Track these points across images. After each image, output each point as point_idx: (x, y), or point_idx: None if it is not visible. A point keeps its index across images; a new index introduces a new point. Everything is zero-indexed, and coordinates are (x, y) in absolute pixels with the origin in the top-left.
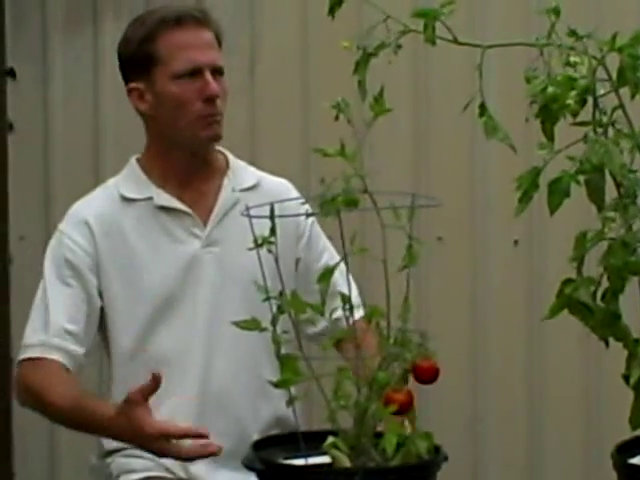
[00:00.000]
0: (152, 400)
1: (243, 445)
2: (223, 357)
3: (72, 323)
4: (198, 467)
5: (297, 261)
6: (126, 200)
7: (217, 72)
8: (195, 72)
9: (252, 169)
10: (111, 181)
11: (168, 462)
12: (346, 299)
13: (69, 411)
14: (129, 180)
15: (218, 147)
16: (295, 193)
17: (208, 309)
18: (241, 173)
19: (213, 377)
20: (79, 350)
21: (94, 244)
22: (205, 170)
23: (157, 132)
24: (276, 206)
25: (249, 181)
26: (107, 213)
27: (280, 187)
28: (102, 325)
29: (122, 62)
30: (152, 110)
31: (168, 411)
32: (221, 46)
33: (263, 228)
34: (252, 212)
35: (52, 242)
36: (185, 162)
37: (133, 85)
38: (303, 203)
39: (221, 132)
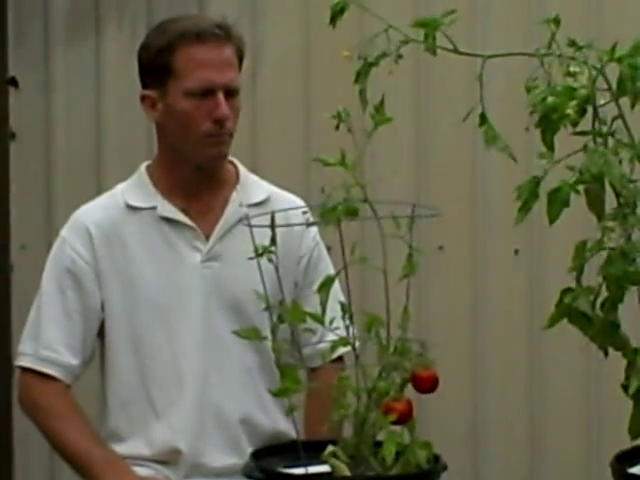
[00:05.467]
0: (153, 414)
1: (242, 460)
2: (219, 373)
3: (66, 334)
4: None
5: (295, 284)
6: (130, 208)
7: (230, 92)
8: (207, 92)
9: (265, 184)
10: (119, 187)
11: (169, 473)
12: (346, 308)
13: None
14: (136, 188)
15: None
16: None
17: (203, 324)
18: (251, 187)
19: (210, 394)
20: (73, 362)
21: (94, 253)
22: (213, 183)
23: (166, 142)
24: (282, 221)
25: (258, 196)
26: (109, 220)
27: (290, 204)
28: (101, 336)
29: (140, 67)
30: (162, 120)
31: (169, 426)
32: (242, 61)
33: (264, 242)
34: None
35: (54, 249)
36: (192, 174)
37: (147, 92)
38: (309, 224)
39: (227, 151)
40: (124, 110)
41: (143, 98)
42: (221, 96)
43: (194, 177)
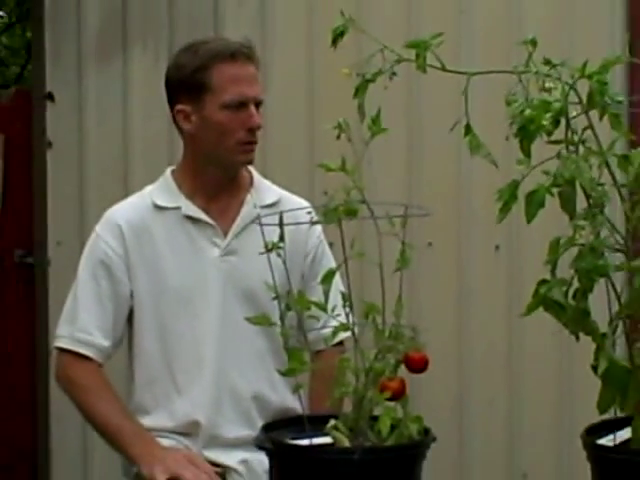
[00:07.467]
0: (175, 390)
1: (254, 432)
2: (234, 355)
3: (99, 319)
4: (214, 452)
5: (302, 276)
6: (157, 208)
7: (259, 104)
8: (241, 104)
9: (276, 188)
10: (147, 189)
11: (189, 443)
12: (346, 298)
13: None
14: (162, 190)
15: None
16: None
17: (220, 312)
18: (264, 191)
19: (227, 372)
20: (105, 343)
21: (125, 246)
22: (231, 186)
23: (195, 150)
24: (291, 221)
25: (270, 198)
26: (138, 218)
27: (298, 206)
28: (129, 321)
29: (172, 85)
30: (196, 130)
31: (189, 401)
32: None
33: (276, 239)
34: (266, 223)
35: (89, 243)
36: (215, 178)
37: (180, 107)
38: (313, 223)
39: (254, 157)
40: (148, 121)
41: (177, 112)
42: (253, 108)
43: (216, 181)
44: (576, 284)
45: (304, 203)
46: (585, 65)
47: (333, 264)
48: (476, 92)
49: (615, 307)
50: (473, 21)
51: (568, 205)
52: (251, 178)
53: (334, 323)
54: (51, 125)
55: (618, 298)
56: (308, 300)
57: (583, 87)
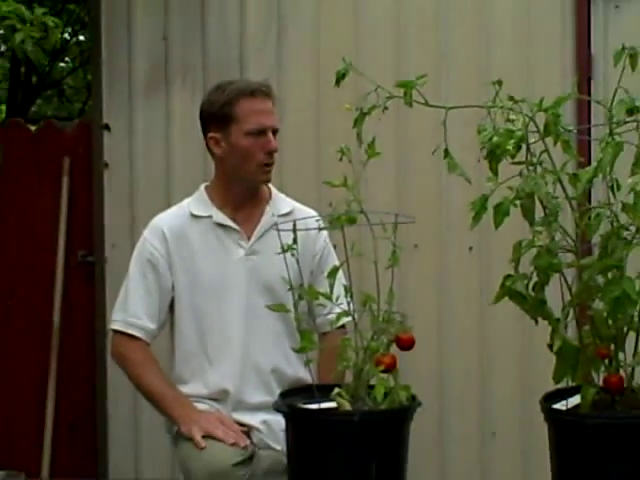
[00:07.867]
0: (208, 364)
1: (273, 399)
2: (256, 335)
3: (147, 306)
4: (240, 414)
5: (311, 272)
6: (193, 216)
7: (275, 132)
8: (261, 132)
9: (290, 200)
10: (185, 201)
11: (220, 407)
12: (348, 289)
13: (153, 393)
14: (197, 202)
15: None
16: (318, 219)
17: (245, 301)
18: (280, 202)
19: (250, 350)
20: (151, 326)
21: (167, 248)
22: (254, 199)
23: (224, 170)
24: (301, 227)
25: (285, 209)
26: (178, 225)
27: (308, 215)
28: (170, 308)
29: (205, 117)
30: (224, 154)
31: (220, 373)
32: None
33: (290, 242)
34: (282, 229)
35: (138, 245)
36: (240, 192)
37: (212, 135)
38: (320, 229)
39: (272, 176)
40: (186, 146)
41: (209, 139)
42: (270, 135)
43: (241, 195)
44: (535, 278)
45: (313, 213)
46: (542, 101)
47: (337, 262)
48: (453, 122)
49: (567, 297)
50: (451, 65)
51: (528, 214)
52: (270, 192)
53: (338, 310)
54: (107, 149)
55: (569, 290)
56: (316, 291)
57: (540, 119)
